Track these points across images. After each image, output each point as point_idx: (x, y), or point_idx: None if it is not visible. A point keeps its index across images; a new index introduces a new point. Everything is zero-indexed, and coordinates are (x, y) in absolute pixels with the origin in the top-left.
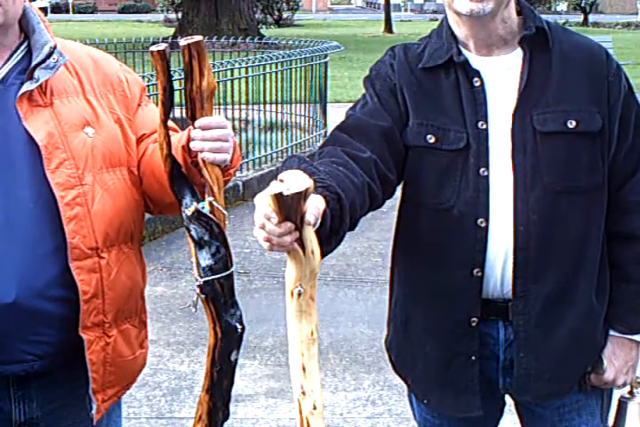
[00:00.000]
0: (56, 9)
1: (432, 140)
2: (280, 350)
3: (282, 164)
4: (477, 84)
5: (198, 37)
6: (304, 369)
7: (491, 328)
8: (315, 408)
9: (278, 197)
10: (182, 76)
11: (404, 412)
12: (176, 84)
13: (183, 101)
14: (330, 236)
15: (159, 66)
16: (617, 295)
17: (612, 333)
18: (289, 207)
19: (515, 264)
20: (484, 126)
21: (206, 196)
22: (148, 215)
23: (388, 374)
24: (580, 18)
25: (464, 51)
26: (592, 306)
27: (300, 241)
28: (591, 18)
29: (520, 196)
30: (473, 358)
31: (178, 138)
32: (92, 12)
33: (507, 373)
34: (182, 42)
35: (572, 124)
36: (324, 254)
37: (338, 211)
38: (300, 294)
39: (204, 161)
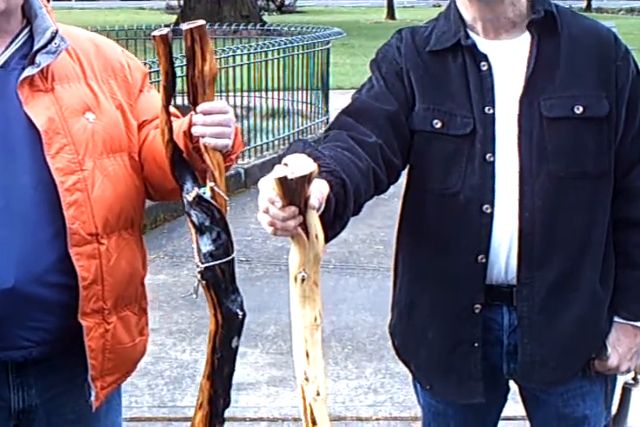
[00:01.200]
0: None
1: (438, 126)
2: (282, 338)
3: (287, 148)
4: (485, 68)
5: (201, 22)
6: (307, 355)
7: (495, 313)
8: (318, 394)
9: (282, 181)
10: (184, 63)
11: (406, 400)
12: (178, 71)
13: (184, 89)
14: (334, 221)
15: (161, 50)
16: (622, 282)
17: (616, 319)
18: (293, 191)
19: (519, 250)
20: (491, 111)
21: (207, 181)
22: (149, 203)
23: (390, 362)
24: (584, 3)
25: (472, 34)
26: (596, 292)
27: (304, 225)
28: (594, 3)
29: (526, 181)
30: (476, 344)
31: (179, 123)
32: (93, 0)
33: (511, 358)
34: (185, 26)
35: (579, 109)
36: (328, 239)
37: (342, 196)
38: (303, 280)
39: (205, 146)
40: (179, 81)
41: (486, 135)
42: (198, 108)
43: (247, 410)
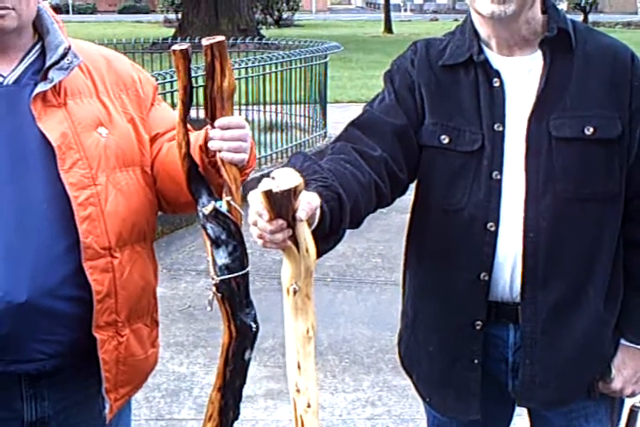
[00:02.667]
0: (56, 9)
1: (446, 141)
2: (280, 351)
3: (287, 160)
4: (497, 84)
5: (220, 37)
6: (299, 367)
7: (501, 331)
8: (309, 406)
9: (268, 194)
10: (194, 75)
11: (404, 413)
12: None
13: (196, 102)
14: (328, 234)
15: (180, 65)
16: (629, 304)
17: (622, 342)
18: (279, 204)
19: (523, 270)
20: (501, 129)
21: (224, 195)
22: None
23: (387, 375)
24: (580, 17)
25: (486, 49)
26: (601, 314)
27: (294, 238)
28: (591, 17)
29: (531, 201)
30: (475, 361)
31: (195, 137)
32: (91, 13)
33: (515, 375)
34: (205, 42)
35: (589, 130)
36: (322, 253)
37: (337, 210)
38: (295, 292)
39: (222, 160)
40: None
41: (494, 153)
42: (216, 123)
43: (244, 423)
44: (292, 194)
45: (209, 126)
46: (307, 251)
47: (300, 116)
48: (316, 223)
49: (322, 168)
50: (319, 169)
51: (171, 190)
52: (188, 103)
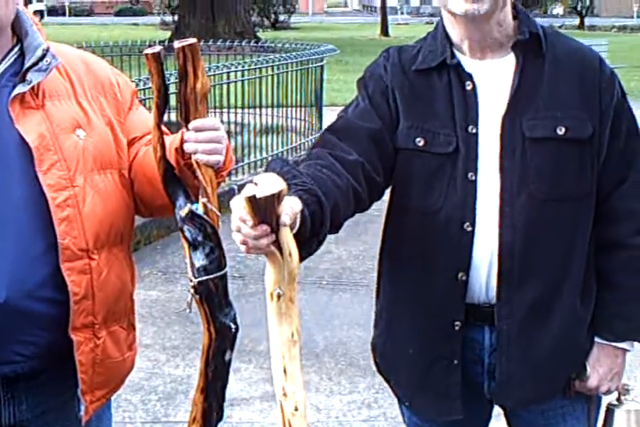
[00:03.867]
0: (52, 12)
1: (421, 144)
2: None
3: (266, 166)
4: (469, 87)
5: (192, 40)
6: (285, 371)
7: (476, 333)
8: (296, 409)
9: (252, 200)
10: (177, 80)
11: (399, 415)
12: (171, 88)
13: (174, 105)
14: (310, 239)
15: (153, 68)
16: (602, 302)
17: (596, 340)
18: (263, 210)
19: (499, 270)
20: (474, 131)
21: (200, 197)
22: (143, 220)
23: None
24: (576, 21)
25: (458, 54)
26: (577, 313)
27: (278, 243)
28: (587, 21)
29: (506, 201)
30: (455, 361)
31: (170, 140)
32: (88, 15)
33: (492, 377)
34: (177, 44)
35: (561, 130)
36: (303, 257)
37: (319, 214)
38: (279, 297)
39: (197, 163)
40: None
41: (469, 154)
42: (190, 125)
43: (240, 425)
44: (276, 199)
45: (184, 129)
46: (290, 255)
47: (296, 119)
48: (297, 227)
49: (301, 173)
50: (298, 174)
51: (148, 193)
52: (162, 106)
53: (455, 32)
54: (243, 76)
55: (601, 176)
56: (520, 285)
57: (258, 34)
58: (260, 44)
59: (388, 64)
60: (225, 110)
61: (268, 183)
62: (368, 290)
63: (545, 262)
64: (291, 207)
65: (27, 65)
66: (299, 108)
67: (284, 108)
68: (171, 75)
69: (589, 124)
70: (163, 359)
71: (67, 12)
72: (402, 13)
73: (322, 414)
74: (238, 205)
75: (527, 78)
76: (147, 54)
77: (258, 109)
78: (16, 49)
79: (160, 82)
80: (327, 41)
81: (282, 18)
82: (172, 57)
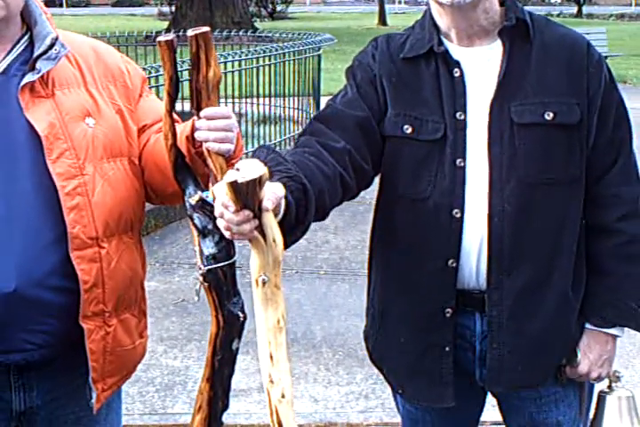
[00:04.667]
0: (49, 3)
1: (409, 131)
2: None
3: (252, 153)
4: (457, 74)
5: (206, 28)
6: (272, 358)
7: (467, 319)
8: (283, 396)
9: (233, 186)
10: (185, 68)
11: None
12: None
13: (185, 95)
14: (295, 225)
15: (166, 56)
16: (592, 288)
17: (587, 326)
18: (245, 195)
19: (489, 255)
20: (462, 117)
21: (210, 185)
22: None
23: None
24: (574, 9)
25: (445, 41)
26: (567, 299)
27: (261, 229)
28: (585, 9)
29: (495, 187)
30: (447, 348)
31: (182, 128)
32: (85, 6)
33: (483, 364)
34: (190, 32)
35: (549, 115)
36: (289, 244)
37: (303, 201)
38: (264, 283)
39: (208, 151)
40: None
41: (457, 141)
42: (202, 114)
43: (238, 416)
44: (257, 184)
45: (195, 117)
46: (274, 241)
47: (294, 108)
48: (281, 214)
49: (286, 160)
50: (283, 161)
51: (158, 181)
52: (174, 94)
53: (442, 20)
54: (240, 65)
55: (590, 161)
56: (510, 270)
57: (255, 24)
58: (257, 33)
59: (377, 52)
60: (222, 100)
61: (249, 168)
62: (366, 280)
63: (534, 248)
64: (273, 192)
65: (36, 54)
66: (296, 98)
67: (282, 98)
68: (183, 62)
69: (577, 109)
70: (160, 351)
71: (64, 3)
72: (399, 2)
73: (319, 405)
74: (220, 191)
75: (515, 64)
76: (159, 42)
77: (255, 99)
78: (26, 37)
79: (172, 70)
80: (325, 30)
81: (279, 8)
82: (180, 46)
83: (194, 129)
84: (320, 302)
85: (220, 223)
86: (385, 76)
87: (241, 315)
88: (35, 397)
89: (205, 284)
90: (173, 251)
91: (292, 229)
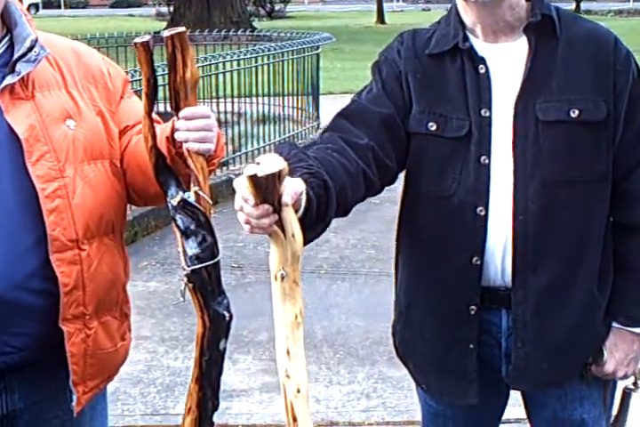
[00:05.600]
0: (48, 4)
1: (433, 128)
2: (274, 344)
3: (274, 150)
4: (482, 71)
5: (181, 28)
6: (288, 353)
7: (493, 316)
8: (299, 391)
9: (253, 179)
10: (166, 72)
11: (399, 405)
12: (160, 80)
13: (166, 95)
14: (316, 221)
15: (142, 58)
16: (619, 286)
17: (613, 324)
18: (265, 189)
19: (514, 254)
20: (487, 114)
21: (192, 185)
22: (141, 210)
23: (382, 366)
24: (573, 5)
25: (471, 37)
26: (593, 297)
27: (281, 224)
28: (583, 5)
29: (520, 185)
30: (471, 345)
31: (162, 129)
32: (83, 7)
33: (509, 361)
34: (165, 33)
35: (574, 113)
36: (309, 240)
37: (324, 197)
38: (283, 278)
39: (188, 151)
40: (161, 88)
41: (481, 138)
42: (180, 114)
43: (240, 417)
44: (277, 178)
45: (175, 117)
46: (293, 236)
47: (293, 107)
48: (302, 210)
49: (308, 156)
50: (305, 157)
51: (140, 182)
52: (152, 96)
53: (468, 16)
54: (239, 65)
55: (617, 157)
56: (535, 268)
57: (254, 23)
58: (255, 33)
59: (402, 48)
60: (221, 100)
61: (269, 163)
62: (366, 279)
63: (560, 246)
64: (293, 188)
65: (16, 56)
66: (295, 97)
67: (281, 97)
68: (158, 67)
69: (604, 105)
70: (161, 351)
71: (62, 4)
72: (398, 1)
73: (321, 405)
74: (241, 185)
75: (540, 61)
76: (136, 43)
77: (254, 99)
78: (6, 39)
79: (149, 71)
80: (323, 29)
81: (277, 7)
82: (162, 47)
83: (173, 130)
84: (320, 301)
85: (240, 217)
86: (410, 72)
87: (227, 314)
88: (17, 400)
89: (190, 284)
90: (173, 251)
91: (313, 225)
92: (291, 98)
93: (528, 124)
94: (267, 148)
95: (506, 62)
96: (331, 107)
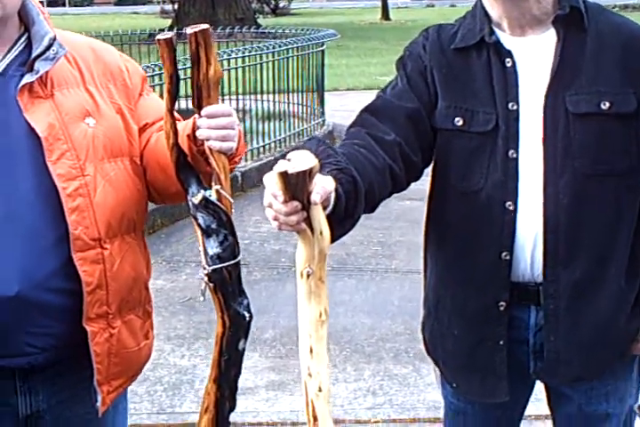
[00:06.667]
0: (52, 2)
1: (460, 123)
2: (280, 342)
3: (302, 144)
4: (509, 64)
5: (205, 26)
6: (311, 351)
7: (522, 312)
8: (320, 390)
9: (283, 176)
10: (186, 66)
11: (405, 402)
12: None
13: (187, 92)
14: (344, 218)
15: (166, 54)
16: None
17: None
18: (294, 186)
19: (545, 248)
20: (515, 107)
21: (213, 184)
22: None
23: (388, 363)
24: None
25: (497, 31)
26: (622, 291)
27: (309, 221)
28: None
29: (550, 179)
30: (501, 342)
31: (182, 127)
32: (88, 5)
33: (537, 357)
34: (189, 30)
35: (605, 105)
36: (337, 237)
37: (353, 193)
38: (309, 275)
39: (210, 149)
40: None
41: (509, 131)
42: (203, 112)
43: (246, 415)
44: (308, 176)
45: (196, 115)
46: (321, 234)
47: (298, 104)
48: (331, 207)
49: (336, 152)
50: (333, 153)
51: (160, 180)
52: (174, 93)
53: (494, 10)
54: (243, 62)
55: None
56: (567, 263)
57: (258, 20)
58: (260, 30)
59: (427, 43)
60: (226, 97)
61: (300, 160)
62: (373, 276)
63: (591, 239)
64: (322, 186)
65: (34, 54)
66: (300, 94)
67: (286, 94)
68: (179, 61)
69: (634, 97)
70: (168, 349)
71: (67, 2)
72: None
73: None
74: (271, 181)
75: (569, 53)
76: (159, 40)
77: (259, 95)
78: (24, 38)
79: (172, 68)
80: (328, 26)
81: (282, 4)
82: (182, 44)
83: (195, 127)
84: None
85: (269, 213)
86: (435, 67)
87: (247, 315)
88: (40, 400)
89: (211, 284)
90: (180, 249)
91: (342, 221)
92: (296, 95)
93: (558, 116)
94: (272, 145)
95: (533, 56)
96: (336, 103)
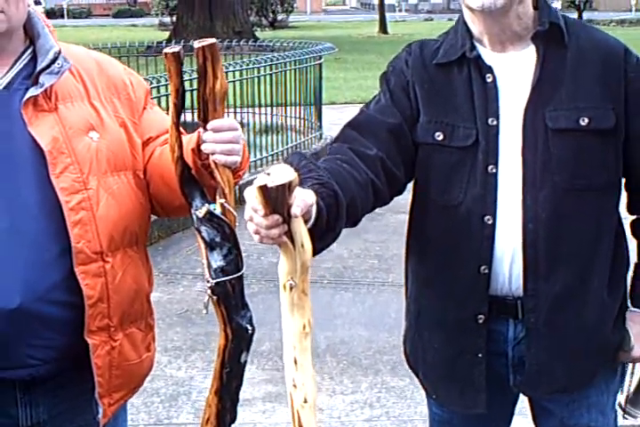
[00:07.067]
0: (51, 14)
1: (440, 138)
2: (277, 354)
3: (284, 160)
4: (489, 80)
5: (212, 40)
6: (296, 362)
7: (500, 325)
8: (305, 401)
9: (263, 190)
10: (189, 78)
11: (402, 414)
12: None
13: (192, 106)
14: (326, 232)
15: (172, 68)
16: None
17: (633, 309)
18: (275, 199)
19: (524, 262)
20: (495, 123)
21: (217, 197)
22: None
23: (385, 376)
24: (575, 15)
25: (478, 46)
26: (604, 302)
27: (291, 234)
28: (585, 15)
29: (529, 193)
30: (480, 355)
31: (187, 140)
32: (86, 17)
33: (517, 370)
34: (196, 44)
35: (584, 121)
36: (319, 250)
37: (334, 207)
38: (292, 288)
39: (215, 163)
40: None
41: (489, 147)
42: (209, 126)
43: (243, 426)
44: (287, 189)
45: (201, 129)
46: (302, 246)
47: (296, 117)
48: (312, 220)
49: (318, 167)
50: (315, 168)
51: (164, 194)
52: (180, 106)
53: (475, 26)
54: (241, 75)
55: (636, 163)
56: (546, 277)
57: (256, 33)
58: (258, 43)
59: (410, 58)
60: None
61: (279, 173)
62: (369, 289)
63: (570, 254)
64: (303, 200)
65: (39, 68)
66: (298, 107)
67: (283, 107)
68: (193, 71)
69: (613, 114)
70: (164, 361)
71: (65, 14)
72: (400, 11)
73: (324, 415)
74: (251, 195)
75: (549, 69)
76: (166, 53)
77: (257, 109)
78: (28, 51)
79: (178, 81)
80: (325, 39)
81: (280, 17)
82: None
83: (200, 141)
84: (323, 311)
85: (250, 227)
86: (417, 82)
87: (249, 328)
88: (41, 412)
89: (214, 297)
90: (177, 261)
91: (323, 235)
92: (293, 108)
93: (537, 132)
94: (269, 158)
95: (514, 71)
96: (333, 117)
